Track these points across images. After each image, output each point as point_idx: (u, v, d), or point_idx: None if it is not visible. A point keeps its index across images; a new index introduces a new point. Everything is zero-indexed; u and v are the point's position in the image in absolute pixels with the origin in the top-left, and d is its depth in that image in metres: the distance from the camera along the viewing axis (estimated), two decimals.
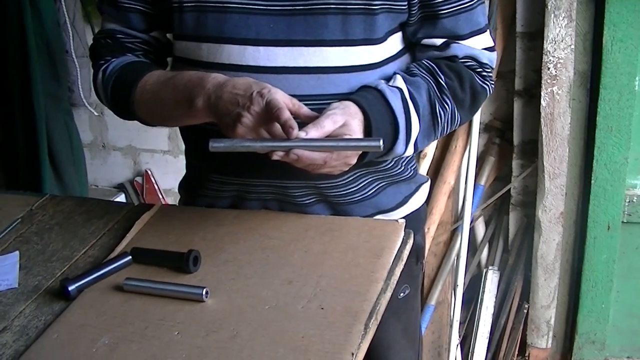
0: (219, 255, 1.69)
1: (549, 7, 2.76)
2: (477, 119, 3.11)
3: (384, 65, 1.73)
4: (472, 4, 1.74)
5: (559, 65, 2.83)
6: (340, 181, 1.79)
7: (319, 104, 1.62)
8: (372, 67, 1.71)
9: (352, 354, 1.36)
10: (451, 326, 3.33)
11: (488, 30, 1.81)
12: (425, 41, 1.78)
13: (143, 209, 1.94)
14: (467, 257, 3.28)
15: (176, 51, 1.80)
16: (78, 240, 1.86)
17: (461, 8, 1.73)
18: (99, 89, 1.89)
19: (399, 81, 1.68)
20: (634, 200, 3.03)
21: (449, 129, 1.78)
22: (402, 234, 1.71)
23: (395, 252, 1.65)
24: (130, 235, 1.81)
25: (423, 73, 1.73)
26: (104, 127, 4.06)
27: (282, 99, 1.50)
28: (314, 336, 1.40)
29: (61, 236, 1.89)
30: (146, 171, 4.05)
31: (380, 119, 1.60)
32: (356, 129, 1.55)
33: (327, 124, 1.51)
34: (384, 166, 1.85)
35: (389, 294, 1.55)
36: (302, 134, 1.47)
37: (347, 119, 1.54)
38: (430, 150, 3.14)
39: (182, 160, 3.86)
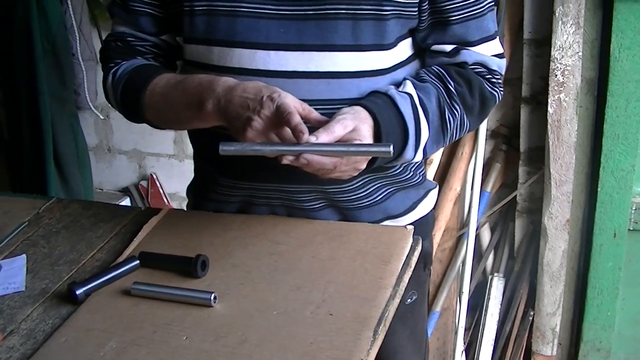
0: (227, 260, 1.69)
1: (557, 14, 2.76)
2: (483, 125, 3.11)
3: (393, 70, 1.73)
4: (483, 11, 1.74)
5: (566, 72, 2.82)
6: (348, 186, 1.79)
7: (329, 109, 1.61)
8: (382, 73, 1.71)
9: None
10: (456, 333, 3.33)
11: (498, 37, 1.81)
12: (435, 47, 1.78)
13: (150, 213, 1.93)
14: (472, 264, 3.28)
15: (186, 54, 1.80)
16: (85, 244, 1.86)
17: (471, 15, 1.73)
18: (108, 91, 1.89)
19: (409, 87, 1.68)
20: None
21: (457, 135, 1.78)
22: (411, 240, 1.71)
23: (404, 258, 1.65)
24: (138, 239, 1.81)
25: (432, 79, 1.73)
26: (110, 130, 4.06)
27: (292, 103, 1.50)
28: (323, 342, 1.39)
29: (68, 239, 1.89)
30: (151, 175, 4.04)
31: (390, 124, 1.60)
32: (366, 134, 1.55)
33: (338, 129, 1.50)
34: (393, 171, 1.85)
35: (397, 300, 1.54)
36: (313, 139, 1.47)
37: (357, 124, 1.54)
38: (437, 156, 3.13)
39: (187, 164, 3.89)
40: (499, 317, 3.34)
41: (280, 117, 1.48)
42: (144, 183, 4.08)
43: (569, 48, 2.79)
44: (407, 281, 1.62)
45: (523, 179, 3.23)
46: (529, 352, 3.37)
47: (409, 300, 1.95)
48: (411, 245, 1.70)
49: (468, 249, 3.24)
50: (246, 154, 1.50)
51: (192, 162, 3.82)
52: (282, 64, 1.67)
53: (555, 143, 2.94)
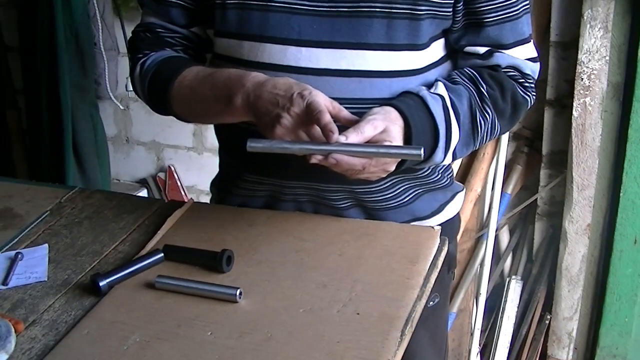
0: (252, 255, 1.68)
1: (585, 18, 2.74)
2: None
3: (426, 71, 1.71)
4: (518, 14, 1.72)
5: (592, 76, 2.81)
6: (376, 187, 1.77)
7: (360, 108, 1.59)
8: (414, 73, 1.69)
9: None
10: (472, 334, 3.32)
11: (532, 41, 1.79)
12: (469, 49, 1.76)
13: (174, 205, 1.92)
14: (490, 266, 3.26)
15: (216, 48, 1.78)
16: (108, 235, 1.85)
17: (506, 17, 1.71)
18: (135, 82, 1.87)
19: (441, 88, 1.67)
20: None
21: (488, 139, 1.75)
22: (438, 240, 1.70)
23: (431, 259, 1.64)
24: (162, 232, 1.80)
25: (465, 81, 1.71)
26: (129, 121, 4.06)
27: (322, 101, 1.47)
28: (350, 342, 1.38)
29: (91, 230, 1.88)
30: (169, 167, 4.04)
31: (421, 126, 1.58)
32: (396, 135, 1.53)
33: (368, 130, 1.48)
34: (421, 173, 1.83)
35: (424, 301, 1.53)
36: (342, 139, 1.45)
37: (388, 125, 1.52)
38: None
39: (206, 157, 3.89)
40: (516, 319, 3.33)
41: (310, 115, 1.46)
42: (161, 175, 4.08)
43: (596, 52, 2.77)
44: (433, 282, 1.61)
45: (544, 181, 3.22)
46: (544, 356, 3.36)
47: (431, 302, 1.93)
48: (438, 246, 1.68)
49: (487, 251, 3.23)
50: (274, 152, 1.48)
51: (210, 155, 3.86)
52: (313, 61, 1.66)
53: (579, 147, 2.93)
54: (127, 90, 3.87)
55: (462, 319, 3.32)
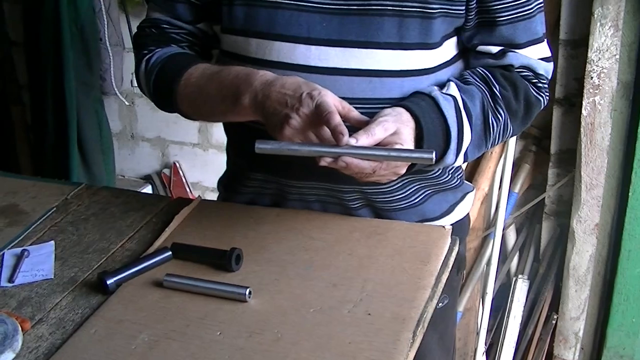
0: (261, 254, 1.66)
1: (596, 16, 2.72)
2: None
3: (438, 70, 1.69)
4: (532, 12, 1.70)
5: (602, 75, 2.79)
6: (387, 188, 1.76)
7: (370, 108, 1.57)
8: (426, 72, 1.66)
9: None
10: (478, 334, 3.31)
11: (546, 40, 1.76)
12: (481, 48, 1.73)
13: (182, 203, 1.91)
14: (497, 265, 3.25)
15: (224, 45, 1.76)
16: (115, 233, 1.83)
17: (520, 16, 1.69)
18: (140, 79, 1.85)
19: (453, 89, 1.64)
20: None
21: (500, 140, 1.73)
22: (449, 240, 1.68)
23: (442, 259, 1.62)
24: (169, 230, 1.78)
25: (477, 82, 1.69)
26: (134, 117, 4.05)
27: (332, 101, 1.45)
28: (362, 342, 1.37)
29: (97, 227, 1.87)
30: (174, 163, 4.03)
31: (432, 127, 1.56)
32: (407, 137, 1.51)
33: (378, 132, 1.46)
34: (432, 174, 1.81)
35: (435, 301, 1.51)
36: (352, 141, 1.42)
37: (399, 127, 1.50)
38: None
39: (211, 154, 3.88)
40: (522, 319, 3.31)
41: (319, 116, 1.44)
42: (166, 171, 4.07)
43: (607, 50, 2.76)
44: (444, 282, 1.59)
45: (552, 181, 3.20)
46: (550, 356, 3.35)
47: (440, 304, 1.90)
48: (449, 246, 1.67)
49: (494, 250, 3.22)
50: (283, 154, 1.46)
51: (216, 151, 3.85)
52: (322, 60, 1.63)
53: (588, 146, 2.91)
54: (132, 86, 3.87)
55: (468, 318, 3.30)
